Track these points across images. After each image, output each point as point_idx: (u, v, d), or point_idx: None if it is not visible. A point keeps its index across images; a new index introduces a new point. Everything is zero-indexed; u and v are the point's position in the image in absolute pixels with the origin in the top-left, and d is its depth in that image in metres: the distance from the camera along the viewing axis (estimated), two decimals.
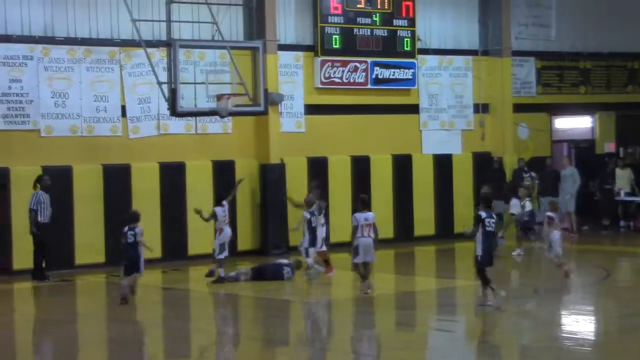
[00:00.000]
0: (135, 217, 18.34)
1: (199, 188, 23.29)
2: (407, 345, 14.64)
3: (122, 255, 18.09)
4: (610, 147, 30.04)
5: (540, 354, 13.73)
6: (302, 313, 17.81)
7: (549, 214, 20.24)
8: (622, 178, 28.35)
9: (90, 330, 16.28)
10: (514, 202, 23.96)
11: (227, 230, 20.05)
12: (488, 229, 16.72)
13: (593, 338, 15.15)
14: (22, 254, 21.27)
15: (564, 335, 15.13)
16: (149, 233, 22.74)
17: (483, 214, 16.85)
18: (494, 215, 17.25)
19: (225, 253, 19.90)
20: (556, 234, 19.72)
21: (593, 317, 16.66)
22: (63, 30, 22.41)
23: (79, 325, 16.89)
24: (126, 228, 18.08)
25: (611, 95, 30.09)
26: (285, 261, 20.63)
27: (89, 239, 22.34)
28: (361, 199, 18.55)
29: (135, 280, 18.16)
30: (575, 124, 29.88)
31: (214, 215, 19.97)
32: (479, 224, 16.75)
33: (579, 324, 16.05)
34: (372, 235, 18.01)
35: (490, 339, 15.12)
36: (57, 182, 21.84)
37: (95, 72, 22.69)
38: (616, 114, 30.03)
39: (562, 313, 16.87)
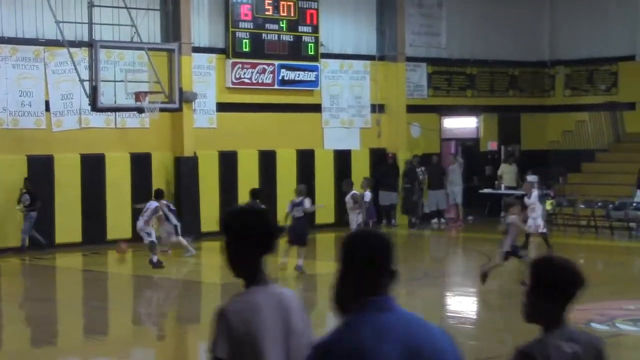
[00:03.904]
0: (303, 191, 18.96)
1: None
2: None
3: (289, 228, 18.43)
4: (492, 145, 30.47)
5: None
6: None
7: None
8: (509, 173, 28.55)
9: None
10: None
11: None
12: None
13: (475, 316, 15.58)
14: None
15: (449, 314, 15.45)
16: (70, 220, 22.87)
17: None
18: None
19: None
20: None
21: (475, 298, 16.98)
22: None
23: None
24: (291, 205, 18.63)
25: (494, 99, 30.48)
26: None
27: (9, 224, 21.97)
28: None
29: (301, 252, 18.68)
30: (462, 124, 30.23)
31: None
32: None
33: (462, 304, 16.42)
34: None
35: None
36: None
37: (20, 69, 22.33)
38: (499, 115, 30.46)
39: (447, 294, 17.25)
